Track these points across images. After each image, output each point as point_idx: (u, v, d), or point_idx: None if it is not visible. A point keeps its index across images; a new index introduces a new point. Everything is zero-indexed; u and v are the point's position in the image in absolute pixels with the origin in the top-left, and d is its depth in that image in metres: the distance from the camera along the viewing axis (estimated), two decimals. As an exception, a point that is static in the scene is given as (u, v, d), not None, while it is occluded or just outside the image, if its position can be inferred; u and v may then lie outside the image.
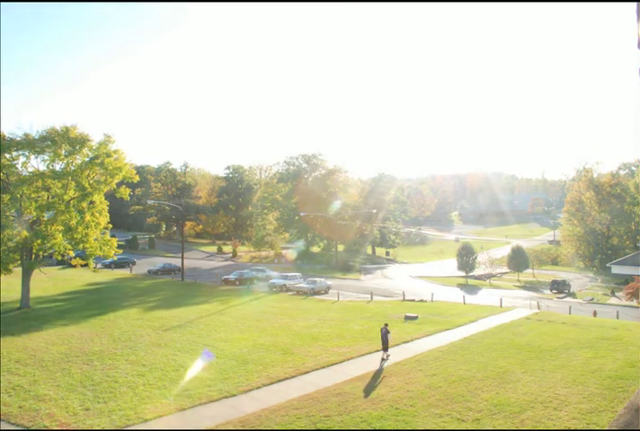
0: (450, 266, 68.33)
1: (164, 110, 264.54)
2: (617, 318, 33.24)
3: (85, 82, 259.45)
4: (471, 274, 62.89)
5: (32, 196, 29.40)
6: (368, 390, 15.79)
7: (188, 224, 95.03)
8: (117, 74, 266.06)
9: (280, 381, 16.84)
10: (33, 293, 31.43)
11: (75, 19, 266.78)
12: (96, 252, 31.81)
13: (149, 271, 52.85)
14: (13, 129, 30.71)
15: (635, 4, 4.24)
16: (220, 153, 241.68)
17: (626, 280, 53.32)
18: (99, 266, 46.24)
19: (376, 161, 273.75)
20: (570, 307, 36.43)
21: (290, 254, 75.34)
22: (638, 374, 17.23)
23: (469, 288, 55.05)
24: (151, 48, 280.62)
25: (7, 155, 29.28)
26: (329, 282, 45.42)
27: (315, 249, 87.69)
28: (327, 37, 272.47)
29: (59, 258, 32.03)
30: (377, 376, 17.44)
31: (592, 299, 49.28)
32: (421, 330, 25.13)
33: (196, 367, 18.10)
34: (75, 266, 34.09)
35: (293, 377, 17.30)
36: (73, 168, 30.54)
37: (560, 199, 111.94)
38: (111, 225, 33.56)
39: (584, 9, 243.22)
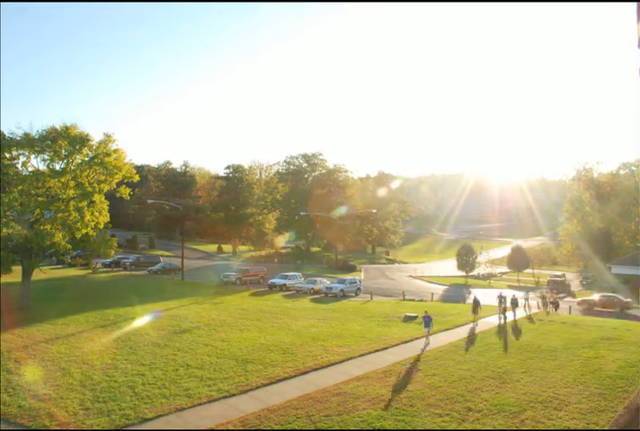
0: (450, 265, 68.31)
1: (164, 110, 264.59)
2: (618, 318, 33.22)
3: (85, 83, 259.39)
4: (471, 274, 62.89)
5: (32, 193, 29.38)
6: (369, 390, 15.77)
7: (188, 223, 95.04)
8: (116, 75, 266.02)
9: (279, 381, 16.82)
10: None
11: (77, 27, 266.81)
12: (96, 252, 31.84)
13: (149, 271, 52.85)
14: (13, 129, 30.68)
15: (635, 4, 4.24)
16: (220, 153, 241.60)
17: (626, 280, 53.30)
18: (99, 265, 46.28)
19: (376, 160, 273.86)
20: (570, 307, 36.41)
21: (290, 254, 75.31)
22: (638, 374, 17.22)
23: (469, 288, 55.00)
24: (151, 50, 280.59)
25: (7, 155, 29.28)
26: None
27: (315, 248, 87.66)
28: (327, 36, 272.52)
29: (60, 257, 32.03)
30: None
31: (592, 299, 49.19)
32: (421, 330, 25.10)
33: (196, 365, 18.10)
34: (74, 265, 34.13)
35: (293, 377, 17.27)
36: (73, 167, 30.54)
37: (560, 199, 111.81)
38: (111, 225, 33.58)
39: (584, 9, 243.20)
